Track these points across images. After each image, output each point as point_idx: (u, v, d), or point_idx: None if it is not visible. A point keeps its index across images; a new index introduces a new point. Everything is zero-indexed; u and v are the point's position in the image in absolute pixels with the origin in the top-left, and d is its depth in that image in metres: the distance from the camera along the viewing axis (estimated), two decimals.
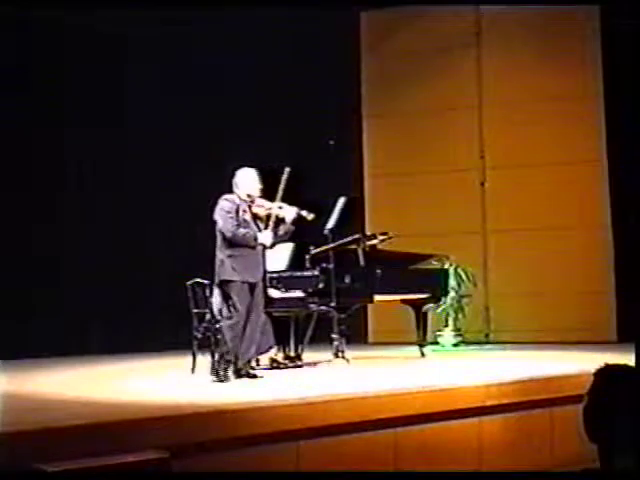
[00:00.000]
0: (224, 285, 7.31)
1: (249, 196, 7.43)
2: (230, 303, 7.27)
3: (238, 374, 7.26)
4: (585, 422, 2.86)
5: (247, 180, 7.44)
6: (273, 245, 7.62)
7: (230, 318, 7.25)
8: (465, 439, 6.24)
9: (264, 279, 7.57)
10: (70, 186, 11.20)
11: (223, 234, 7.29)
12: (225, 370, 7.20)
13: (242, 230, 7.30)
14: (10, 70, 10.29)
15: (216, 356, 7.40)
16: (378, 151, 12.40)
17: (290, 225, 7.58)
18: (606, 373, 2.89)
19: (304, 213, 7.61)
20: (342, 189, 9.51)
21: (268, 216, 7.52)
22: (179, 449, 4.89)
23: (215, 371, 7.21)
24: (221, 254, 7.30)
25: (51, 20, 10.44)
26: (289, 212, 7.54)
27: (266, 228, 7.49)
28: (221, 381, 7.14)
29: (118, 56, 11.14)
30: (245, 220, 7.37)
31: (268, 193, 7.55)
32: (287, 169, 7.55)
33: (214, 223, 7.35)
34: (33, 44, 10.62)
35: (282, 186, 7.52)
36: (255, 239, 7.35)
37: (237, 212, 7.33)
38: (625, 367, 2.93)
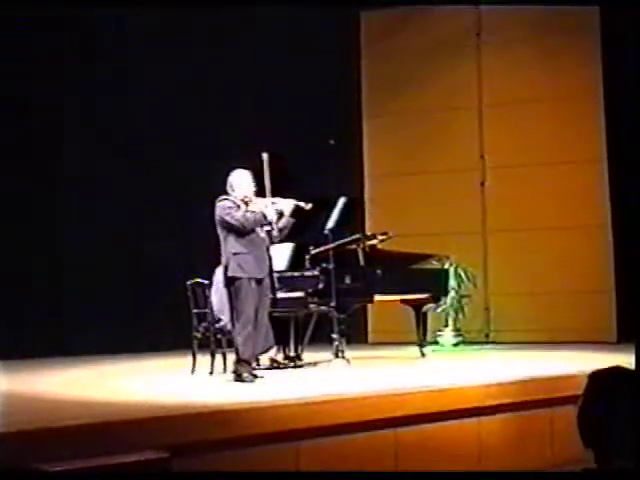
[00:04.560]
0: (231, 283, 7.29)
1: (245, 197, 7.43)
2: (237, 304, 7.24)
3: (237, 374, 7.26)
4: (580, 427, 2.85)
5: (241, 182, 7.44)
6: (275, 240, 7.63)
7: (238, 319, 7.23)
8: (465, 439, 6.24)
9: (271, 277, 7.56)
10: (70, 186, 11.20)
11: (228, 230, 7.25)
12: (249, 371, 7.19)
13: (249, 214, 7.29)
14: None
15: (230, 358, 7.42)
16: (378, 151, 12.40)
17: (289, 218, 7.59)
18: (599, 378, 2.88)
19: (302, 204, 7.62)
20: (342, 189, 9.51)
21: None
22: (179, 449, 4.90)
23: (238, 375, 7.19)
24: (227, 252, 7.29)
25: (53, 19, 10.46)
26: (286, 205, 7.57)
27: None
28: (246, 381, 7.12)
29: (118, 56, 11.13)
30: (249, 213, 7.37)
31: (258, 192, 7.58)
32: (264, 155, 7.56)
33: (215, 226, 7.34)
34: (33, 45, 10.63)
35: (266, 173, 7.53)
36: (265, 216, 7.35)
37: (238, 208, 7.34)
38: (617, 370, 2.91)
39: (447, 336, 10.96)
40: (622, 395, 2.78)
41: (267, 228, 7.50)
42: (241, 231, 7.25)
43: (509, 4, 11.50)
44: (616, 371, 2.87)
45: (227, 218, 7.24)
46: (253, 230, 7.30)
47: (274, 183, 7.60)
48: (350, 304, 8.38)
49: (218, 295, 7.61)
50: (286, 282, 8.28)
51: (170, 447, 4.86)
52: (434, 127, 12.04)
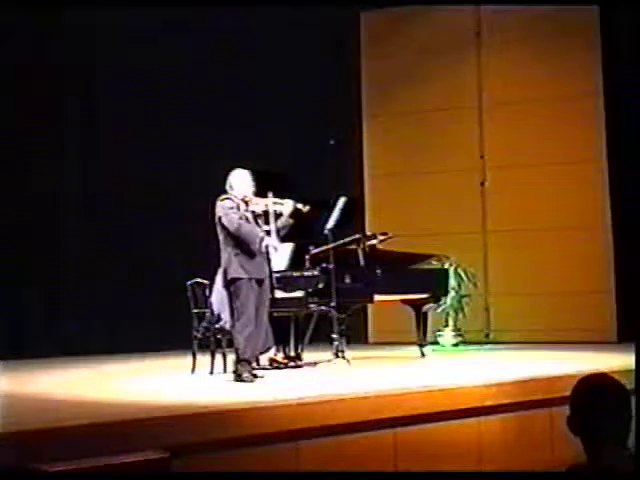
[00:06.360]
0: (232, 284, 7.29)
1: (245, 197, 7.45)
2: (238, 304, 7.25)
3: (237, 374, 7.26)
4: (570, 424, 2.94)
5: (241, 181, 7.46)
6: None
7: (239, 319, 7.24)
8: (465, 439, 6.24)
9: (270, 277, 7.58)
10: (70, 185, 11.20)
11: (227, 231, 7.28)
12: (249, 371, 7.19)
13: (247, 226, 7.31)
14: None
15: (230, 358, 7.44)
16: (378, 151, 12.40)
17: (288, 218, 7.63)
18: (586, 388, 2.95)
19: (300, 205, 7.67)
20: (342, 189, 9.51)
21: (266, 213, 7.57)
22: (179, 449, 4.90)
23: (239, 375, 7.19)
24: (226, 253, 7.30)
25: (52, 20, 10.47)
26: (286, 206, 7.60)
27: (266, 224, 7.53)
28: (247, 381, 7.12)
29: (118, 54, 11.13)
30: (247, 218, 7.39)
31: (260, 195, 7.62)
32: (270, 194, 7.65)
33: (215, 225, 7.35)
34: (33, 45, 10.63)
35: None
36: (261, 240, 7.34)
37: (238, 209, 7.36)
38: (603, 380, 2.98)
39: (447, 336, 10.95)
40: (607, 396, 2.91)
41: (266, 228, 7.53)
42: (233, 235, 7.28)
43: (509, 4, 11.51)
44: (601, 377, 3.00)
45: (223, 219, 7.26)
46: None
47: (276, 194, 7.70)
48: (350, 304, 8.37)
49: (219, 295, 7.61)
50: (286, 282, 8.28)
51: (170, 447, 4.86)
52: (434, 127, 12.03)
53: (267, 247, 7.44)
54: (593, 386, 2.94)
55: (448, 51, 11.98)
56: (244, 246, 7.29)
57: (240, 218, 7.30)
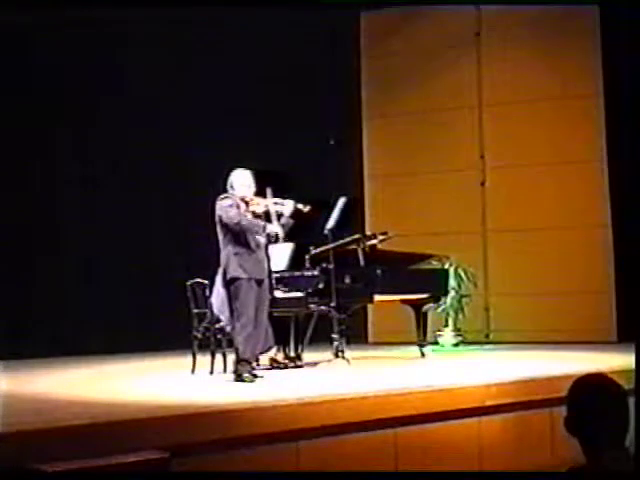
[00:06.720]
0: (231, 284, 7.29)
1: (245, 197, 7.45)
2: (237, 304, 7.25)
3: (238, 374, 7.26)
4: (568, 426, 2.94)
5: (242, 182, 7.47)
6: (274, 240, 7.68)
7: (239, 319, 7.24)
8: (465, 439, 6.24)
9: (270, 277, 7.59)
10: (70, 186, 11.20)
11: (227, 229, 7.27)
12: (249, 371, 7.19)
13: (247, 219, 7.32)
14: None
15: (230, 358, 7.45)
16: (378, 151, 12.40)
17: (289, 218, 7.63)
18: (583, 389, 2.96)
19: (300, 206, 7.67)
20: (342, 189, 9.51)
21: (267, 213, 7.58)
22: (179, 449, 4.90)
23: (239, 375, 7.19)
24: (226, 252, 7.30)
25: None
26: (286, 206, 7.61)
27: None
28: (247, 381, 7.13)
29: (117, 55, 11.14)
30: (246, 217, 7.39)
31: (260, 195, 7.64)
32: (269, 189, 7.65)
33: (214, 225, 7.36)
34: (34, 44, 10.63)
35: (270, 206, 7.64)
36: (264, 227, 7.36)
37: (238, 208, 7.36)
38: (599, 380, 2.98)
39: (447, 336, 10.96)
40: (604, 396, 2.91)
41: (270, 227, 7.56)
42: (235, 231, 7.27)
43: (509, 4, 11.51)
44: (597, 377, 3.00)
45: (223, 217, 7.27)
46: (245, 233, 7.31)
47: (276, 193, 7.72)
48: (350, 304, 8.37)
49: (219, 296, 7.61)
50: (286, 282, 8.29)
51: (170, 447, 4.86)
52: (434, 127, 12.04)
53: (269, 235, 7.44)
54: (589, 386, 2.94)
55: (448, 51, 11.99)
56: (244, 244, 7.29)
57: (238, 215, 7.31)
